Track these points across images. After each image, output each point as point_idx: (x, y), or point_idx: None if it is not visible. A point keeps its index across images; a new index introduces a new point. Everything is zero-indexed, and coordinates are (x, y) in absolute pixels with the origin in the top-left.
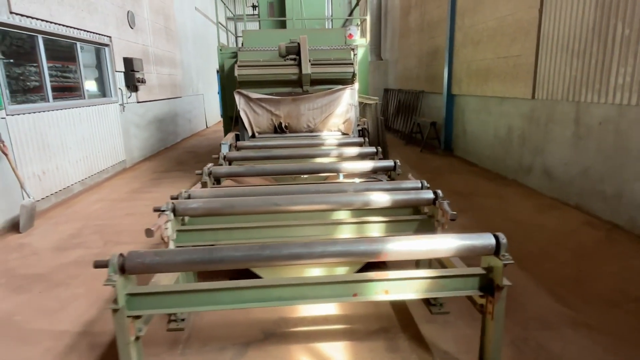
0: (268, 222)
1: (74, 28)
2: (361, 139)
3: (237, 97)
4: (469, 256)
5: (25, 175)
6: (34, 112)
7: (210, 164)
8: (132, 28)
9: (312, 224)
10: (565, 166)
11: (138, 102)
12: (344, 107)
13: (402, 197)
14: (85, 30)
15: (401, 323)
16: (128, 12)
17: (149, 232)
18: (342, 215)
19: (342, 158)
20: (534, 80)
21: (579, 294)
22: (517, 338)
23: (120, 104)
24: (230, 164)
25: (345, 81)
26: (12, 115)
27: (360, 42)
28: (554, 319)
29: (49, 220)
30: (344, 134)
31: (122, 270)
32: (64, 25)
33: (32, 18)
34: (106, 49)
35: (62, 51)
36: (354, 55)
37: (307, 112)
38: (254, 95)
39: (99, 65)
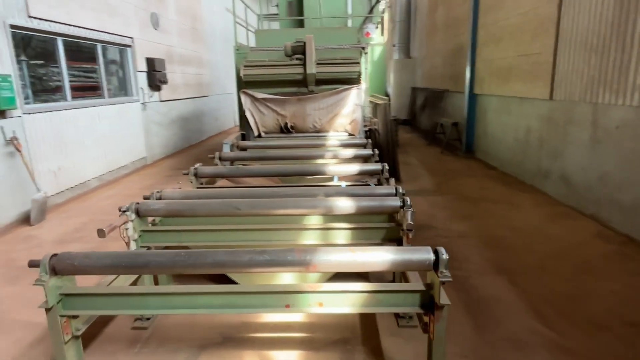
0: (230, 226)
1: (95, 30)
2: (365, 141)
3: (242, 97)
4: (409, 271)
5: (40, 171)
6: (51, 111)
7: (198, 164)
8: (155, 29)
9: (274, 229)
10: (583, 172)
11: (161, 101)
12: (350, 107)
13: (367, 204)
14: (106, 32)
15: (364, 335)
16: (152, 14)
17: (100, 233)
18: (314, 220)
19: (338, 160)
20: (552, 79)
21: (568, 313)
22: (480, 359)
23: (141, 103)
24: (232, 164)
25: (351, 81)
26: (29, 114)
27: (378, 40)
28: (530, 340)
29: (61, 214)
30: (350, 134)
31: (54, 270)
32: (84, 28)
33: (51, 21)
34: (128, 49)
35: (84, 52)
36: (364, 54)
37: (313, 113)
38: (259, 95)
39: (121, 66)
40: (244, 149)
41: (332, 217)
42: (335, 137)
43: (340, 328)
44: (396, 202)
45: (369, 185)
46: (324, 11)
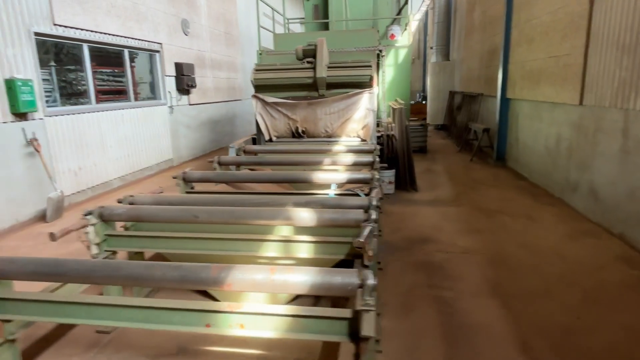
0: (193, 234)
1: (121, 36)
2: (372, 147)
3: (253, 101)
4: (331, 295)
5: (61, 170)
6: (72, 114)
7: (188, 168)
8: (186, 35)
9: (235, 239)
10: (612, 186)
11: (190, 105)
12: (362, 112)
13: (329, 217)
14: (133, 38)
15: (322, 356)
16: (182, 19)
17: (52, 236)
18: (281, 231)
19: (337, 168)
20: (582, 83)
21: (561, 348)
22: None
23: (169, 106)
24: (238, 168)
25: (362, 85)
26: (50, 116)
27: (403, 42)
28: None
29: (78, 212)
30: (363, 140)
31: None
32: (110, 34)
33: (77, 29)
34: (157, 54)
35: (111, 57)
36: (381, 56)
37: (324, 117)
38: (270, 99)
39: (149, 70)
40: (250, 153)
41: (301, 228)
42: (346, 142)
43: (300, 347)
44: (360, 215)
45: (357, 194)
46: (350, 14)
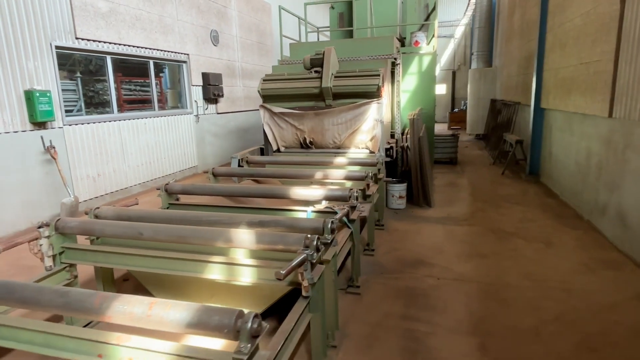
0: (147, 251)
1: (146, 48)
2: (375, 160)
3: (261, 111)
4: (209, 336)
5: (79, 176)
6: (92, 123)
7: (172, 180)
8: (215, 45)
9: (180, 259)
10: None
11: (218, 113)
12: (370, 122)
13: (268, 239)
14: (158, 50)
15: None
16: (211, 31)
17: None
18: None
19: (329, 181)
20: (612, 93)
21: None
22: None
23: (195, 115)
24: (240, 180)
25: (370, 94)
26: (70, 125)
27: (427, 49)
28: None
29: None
30: (371, 152)
31: None
32: (134, 46)
33: (99, 42)
34: (183, 65)
35: (137, 68)
36: (396, 65)
37: (332, 128)
38: (277, 109)
39: (176, 80)
40: (252, 163)
41: (250, 251)
42: (354, 154)
43: None
44: (299, 240)
45: (334, 212)
46: (375, 21)
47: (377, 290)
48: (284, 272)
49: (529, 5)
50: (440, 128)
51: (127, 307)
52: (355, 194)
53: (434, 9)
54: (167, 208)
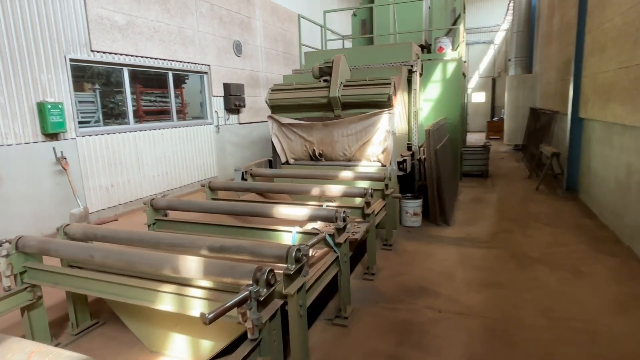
0: (98, 275)
1: (164, 59)
2: (382, 174)
3: (269, 122)
4: None
5: (91, 187)
6: (107, 134)
7: (155, 195)
8: (238, 55)
9: (129, 285)
10: None
11: (240, 124)
12: (382, 134)
13: (217, 270)
14: (177, 61)
15: None
16: (234, 41)
17: None
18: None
19: (327, 198)
20: None
21: None
22: None
23: (215, 126)
24: (242, 194)
25: (380, 104)
26: (83, 136)
27: (452, 56)
28: None
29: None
30: (383, 165)
31: None
32: (152, 58)
33: (116, 54)
34: (204, 76)
35: (156, 79)
36: (413, 72)
37: (341, 139)
38: (285, 120)
39: (196, 91)
40: (257, 176)
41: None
42: (365, 167)
43: None
44: (249, 271)
45: (317, 233)
46: (399, 27)
47: (368, 322)
48: (210, 315)
49: (568, 6)
50: (478, 137)
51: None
52: (342, 215)
53: (460, 14)
54: (153, 224)
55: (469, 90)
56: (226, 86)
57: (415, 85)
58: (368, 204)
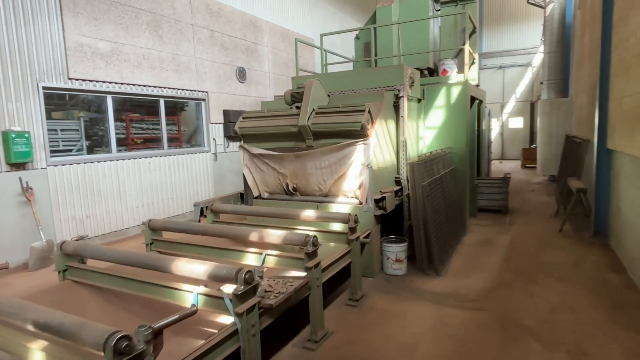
0: None
1: (154, 87)
2: (347, 215)
3: (241, 153)
4: None
5: (62, 218)
6: (83, 163)
7: (77, 235)
8: (241, 82)
9: None
10: None
11: None
12: (358, 167)
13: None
14: (169, 88)
15: None
16: (238, 68)
17: None
18: None
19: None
20: None
21: None
22: None
23: (213, 153)
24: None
25: (354, 134)
26: (55, 166)
27: (457, 78)
28: None
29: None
30: (361, 203)
31: None
32: (139, 85)
33: (97, 81)
34: (202, 103)
35: (147, 106)
36: (399, 97)
37: (315, 172)
38: (256, 150)
39: (193, 118)
40: (218, 212)
41: None
42: (340, 204)
43: None
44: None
45: (221, 298)
46: (404, 48)
47: None
48: None
49: (596, 22)
50: (514, 166)
51: None
52: (243, 276)
53: (473, 31)
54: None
55: (505, 116)
56: (226, 113)
57: (403, 112)
58: (310, 255)
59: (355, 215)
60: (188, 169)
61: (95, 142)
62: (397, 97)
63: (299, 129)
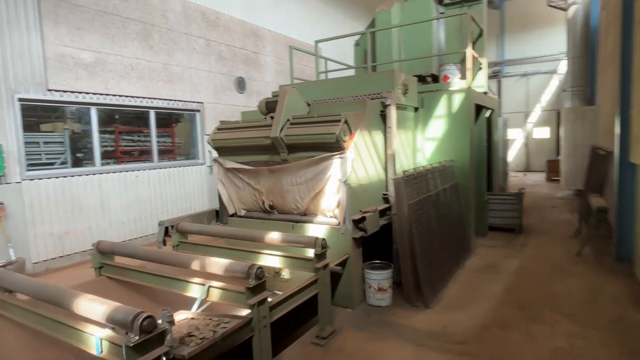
0: None
1: (143, 97)
2: (313, 239)
3: (214, 167)
4: None
5: (38, 234)
6: (62, 177)
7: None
8: (240, 92)
9: None
10: None
11: None
12: (335, 183)
13: None
14: (160, 99)
15: None
16: (237, 78)
17: None
18: None
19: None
20: None
21: None
22: None
23: (208, 166)
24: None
25: (329, 147)
26: (31, 180)
27: (460, 85)
28: None
29: (48, 279)
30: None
31: None
32: (126, 96)
33: (79, 93)
34: (196, 114)
35: (138, 118)
36: (386, 106)
37: (292, 189)
38: (230, 164)
39: (186, 129)
40: (185, 233)
41: None
42: (320, 224)
43: None
44: None
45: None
46: (406, 53)
47: None
48: None
49: (617, 21)
50: (539, 179)
51: None
52: (139, 320)
53: (480, 34)
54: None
55: (529, 125)
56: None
57: (390, 122)
58: (254, 289)
59: (323, 239)
60: (181, 183)
61: (84, 155)
62: (385, 106)
63: (272, 141)
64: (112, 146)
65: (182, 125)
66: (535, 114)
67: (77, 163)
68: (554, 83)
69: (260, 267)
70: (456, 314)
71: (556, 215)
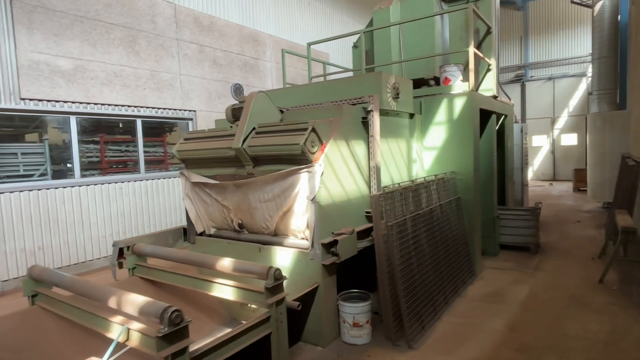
0: None
1: (128, 106)
2: (264, 267)
3: (181, 181)
4: None
5: (8, 251)
6: (37, 190)
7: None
8: (236, 100)
9: None
10: None
11: None
12: (304, 200)
13: None
14: (147, 107)
15: None
16: (234, 85)
17: None
18: None
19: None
20: None
21: None
22: None
23: None
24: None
25: (296, 159)
26: (2, 192)
27: (462, 88)
28: None
29: (15, 298)
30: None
31: None
32: (109, 105)
33: (57, 102)
34: (189, 122)
35: (126, 128)
36: (368, 112)
37: (260, 206)
38: (195, 177)
39: (176, 138)
40: (141, 255)
41: None
42: (289, 247)
43: None
44: None
45: None
46: (407, 54)
47: None
48: None
49: None
50: (565, 188)
51: None
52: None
53: (487, 32)
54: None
55: (556, 132)
56: None
57: (373, 131)
58: (164, 338)
59: (277, 269)
60: (170, 194)
61: (67, 167)
62: (367, 112)
63: (235, 153)
64: (97, 157)
65: (175, 135)
66: (563, 119)
67: (59, 174)
68: (583, 87)
69: (177, 310)
70: (443, 357)
71: (580, 232)
